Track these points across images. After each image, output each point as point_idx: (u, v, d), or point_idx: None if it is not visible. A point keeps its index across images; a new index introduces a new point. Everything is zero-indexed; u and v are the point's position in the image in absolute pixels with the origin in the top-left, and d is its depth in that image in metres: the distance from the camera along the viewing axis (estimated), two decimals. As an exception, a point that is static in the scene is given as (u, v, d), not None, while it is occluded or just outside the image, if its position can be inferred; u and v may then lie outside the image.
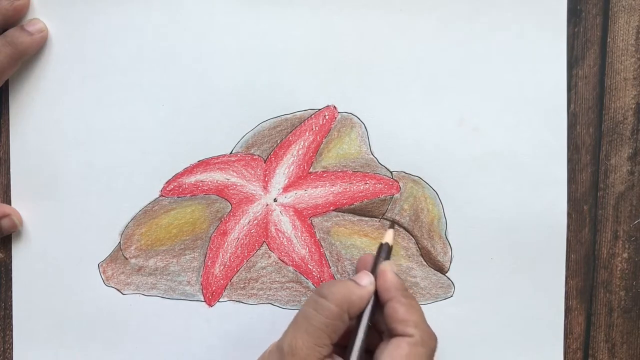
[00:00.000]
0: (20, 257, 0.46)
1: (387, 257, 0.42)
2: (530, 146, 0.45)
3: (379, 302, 0.40)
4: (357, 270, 0.43)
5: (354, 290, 0.39)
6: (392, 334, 0.38)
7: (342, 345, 0.39)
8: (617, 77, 0.45)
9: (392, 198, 0.46)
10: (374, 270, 0.41)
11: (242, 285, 0.46)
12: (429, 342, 0.38)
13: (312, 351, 0.36)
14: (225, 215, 0.46)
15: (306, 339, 0.37)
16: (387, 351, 0.37)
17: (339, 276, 0.46)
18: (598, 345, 0.46)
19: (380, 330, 0.40)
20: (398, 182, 0.45)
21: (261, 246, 0.46)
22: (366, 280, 0.40)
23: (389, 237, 0.43)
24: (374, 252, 0.43)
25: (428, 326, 0.39)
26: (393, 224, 0.45)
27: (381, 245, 0.42)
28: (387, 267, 0.40)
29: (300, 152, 0.46)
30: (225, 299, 0.46)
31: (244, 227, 0.46)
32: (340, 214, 0.46)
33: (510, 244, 0.45)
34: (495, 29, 0.45)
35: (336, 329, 0.38)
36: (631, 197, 0.46)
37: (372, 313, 0.39)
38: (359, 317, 0.39)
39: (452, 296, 0.45)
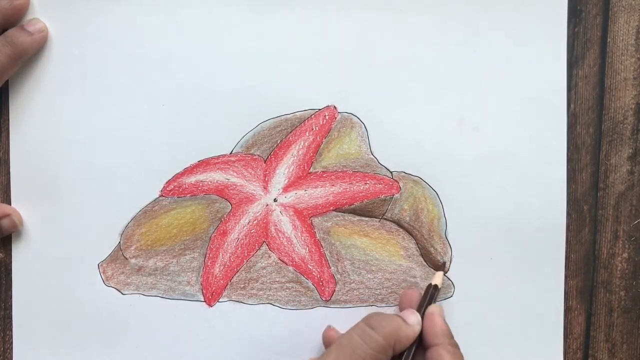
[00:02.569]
0: (20, 257, 0.46)
1: (434, 300, 0.43)
2: (530, 146, 0.45)
3: (421, 343, 0.40)
4: (400, 306, 0.44)
5: (402, 327, 0.39)
6: None
7: None
8: (617, 77, 0.45)
9: (392, 198, 0.46)
10: (419, 310, 0.41)
11: (242, 285, 0.46)
12: None
13: None
14: (225, 215, 0.46)
15: None
16: None
17: (338, 276, 0.46)
18: (598, 345, 0.46)
19: None
20: (398, 182, 0.45)
21: (261, 246, 0.46)
22: (414, 319, 0.40)
23: (438, 279, 0.43)
24: (418, 290, 0.43)
25: None
26: (444, 265, 0.45)
27: (429, 286, 0.43)
28: (436, 311, 0.41)
29: (300, 152, 0.46)
30: (225, 299, 0.46)
31: (244, 227, 0.46)
32: (340, 214, 0.46)
33: (510, 244, 0.45)
34: (495, 29, 0.45)
35: None
36: (631, 197, 0.46)
37: (412, 353, 0.40)
38: (400, 355, 0.40)
39: (452, 296, 0.45)
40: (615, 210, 0.46)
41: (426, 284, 0.45)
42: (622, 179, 0.46)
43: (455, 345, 0.40)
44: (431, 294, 0.43)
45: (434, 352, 0.39)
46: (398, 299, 0.45)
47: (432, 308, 0.42)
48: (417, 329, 0.40)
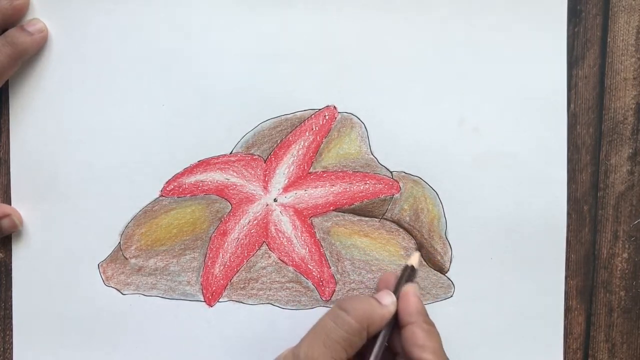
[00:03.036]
0: (20, 257, 0.46)
1: (411, 280, 0.42)
2: (530, 146, 0.45)
3: (397, 323, 0.40)
4: (378, 288, 0.43)
5: (375, 308, 0.39)
6: (408, 358, 0.38)
7: None
8: (617, 77, 0.45)
9: (392, 198, 0.46)
10: (395, 291, 0.41)
11: (242, 285, 0.46)
12: None
13: None
14: (225, 215, 0.46)
15: (323, 351, 0.37)
16: None
17: (338, 276, 0.46)
18: (598, 345, 0.46)
19: (395, 352, 0.40)
20: (398, 182, 0.45)
21: (261, 246, 0.46)
22: (388, 299, 0.40)
23: (414, 260, 0.43)
24: (396, 272, 0.43)
25: (445, 354, 0.39)
26: (419, 247, 0.45)
27: (406, 267, 0.42)
28: (410, 290, 0.40)
29: (300, 152, 0.46)
30: (225, 299, 0.46)
31: (244, 227, 0.46)
32: (340, 214, 0.46)
33: (510, 244, 0.45)
34: (495, 29, 0.45)
35: (353, 345, 0.38)
36: (631, 197, 0.46)
37: (389, 333, 0.40)
38: (375, 336, 0.39)
39: (452, 296, 0.45)
40: (615, 210, 0.46)
41: (426, 284, 0.45)
42: (622, 179, 0.46)
43: (430, 323, 0.39)
44: (408, 275, 0.42)
45: (408, 331, 0.39)
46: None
47: (407, 287, 0.41)
48: (392, 309, 0.39)
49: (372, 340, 0.39)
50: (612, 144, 0.46)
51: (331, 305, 0.45)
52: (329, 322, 0.38)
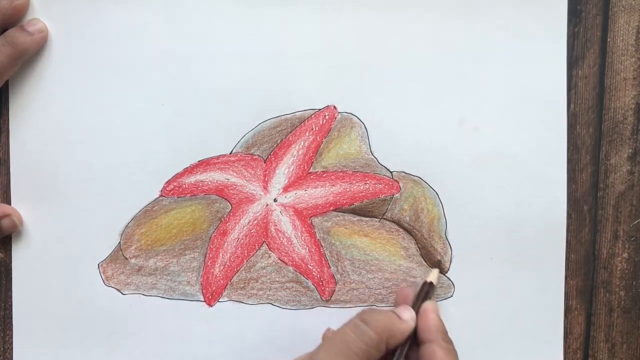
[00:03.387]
0: (20, 257, 0.46)
1: (429, 296, 0.42)
2: (530, 146, 0.45)
3: (415, 339, 0.40)
4: (396, 303, 0.44)
5: (395, 323, 0.39)
6: None
7: None
8: (617, 77, 0.45)
9: (392, 198, 0.46)
10: (414, 306, 0.41)
11: (242, 285, 0.46)
12: None
13: None
14: (225, 215, 0.46)
15: None
16: None
17: (338, 276, 0.46)
18: (598, 345, 0.46)
19: None
20: (398, 182, 0.45)
21: (261, 246, 0.46)
22: (408, 315, 0.40)
23: (433, 277, 0.43)
24: (413, 287, 0.43)
25: None
26: (439, 263, 0.45)
27: (424, 283, 0.43)
28: (430, 307, 0.41)
29: (300, 152, 0.46)
30: (225, 299, 0.46)
31: (244, 227, 0.46)
32: (340, 214, 0.46)
33: (510, 244, 0.45)
34: (495, 29, 0.45)
35: (371, 357, 0.38)
36: (631, 197, 0.46)
37: (407, 349, 0.40)
38: (393, 351, 0.40)
39: (452, 296, 0.45)
40: (615, 210, 0.46)
41: (426, 284, 0.45)
42: (622, 179, 0.46)
43: (449, 342, 0.40)
44: (426, 291, 0.42)
45: (427, 348, 0.39)
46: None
47: (427, 304, 0.41)
48: (411, 324, 0.40)
49: (389, 354, 0.39)
50: (612, 144, 0.46)
51: (332, 306, 0.45)
52: (348, 332, 0.38)
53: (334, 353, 0.37)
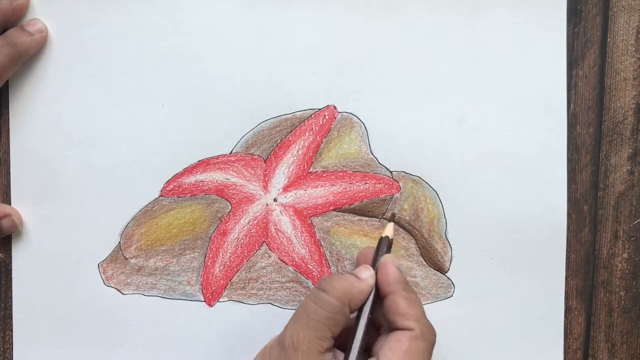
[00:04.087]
0: (20, 257, 0.46)
1: (388, 251, 0.42)
2: (530, 146, 0.45)
3: (379, 295, 0.40)
4: (357, 264, 0.43)
5: (354, 284, 0.39)
6: (391, 328, 0.38)
7: (342, 338, 0.39)
8: (617, 77, 0.45)
9: (392, 198, 0.46)
10: (374, 264, 0.41)
11: (242, 285, 0.46)
12: (429, 337, 0.38)
13: (313, 344, 0.37)
14: (225, 215, 0.46)
15: (307, 332, 0.37)
16: (387, 345, 0.37)
17: (339, 276, 0.46)
18: (598, 345, 0.46)
19: (379, 325, 0.40)
20: (398, 182, 0.45)
21: (261, 246, 0.46)
22: (366, 273, 0.40)
23: (389, 230, 0.43)
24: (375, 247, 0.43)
25: (428, 320, 0.39)
26: (394, 216, 0.45)
27: (381, 238, 0.42)
28: (388, 260, 0.40)
29: (300, 152, 0.46)
30: (225, 299, 0.46)
31: (244, 227, 0.46)
32: (340, 213, 0.46)
33: (510, 244, 0.45)
34: (495, 28, 0.45)
35: (337, 323, 0.38)
36: (631, 197, 0.46)
37: (372, 307, 0.39)
38: (359, 311, 0.39)
39: (452, 296, 0.45)
40: (615, 210, 0.46)
41: (426, 283, 0.45)
42: (622, 179, 0.46)
43: (410, 291, 0.39)
44: (384, 246, 0.42)
45: (389, 300, 0.39)
46: None
47: (384, 258, 0.41)
48: (371, 282, 0.39)
49: (356, 316, 0.39)
50: (612, 144, 0.46)
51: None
52: (309, 303, 0.38)
53: (299, 327, 0.37)
